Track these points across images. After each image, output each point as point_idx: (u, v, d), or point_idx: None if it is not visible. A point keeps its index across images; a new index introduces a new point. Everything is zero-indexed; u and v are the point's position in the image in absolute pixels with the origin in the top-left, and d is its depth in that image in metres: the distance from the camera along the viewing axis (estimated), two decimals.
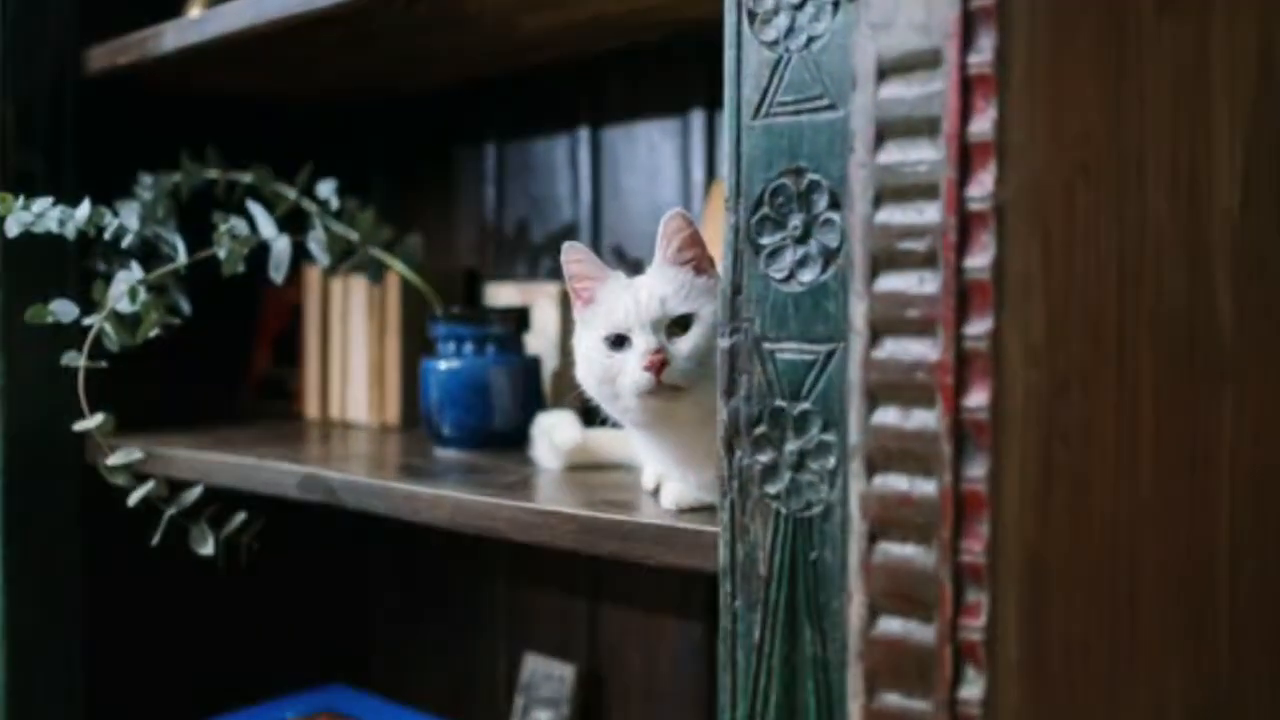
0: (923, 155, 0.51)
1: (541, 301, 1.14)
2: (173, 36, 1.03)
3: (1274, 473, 0.66)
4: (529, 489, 0.82)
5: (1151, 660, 0.60)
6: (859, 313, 0.53)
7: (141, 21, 1.08)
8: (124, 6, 1.11)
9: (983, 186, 0.49)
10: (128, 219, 0.99)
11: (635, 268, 0.82)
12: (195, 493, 0.93)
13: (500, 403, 1.01)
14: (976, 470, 0.49)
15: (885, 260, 0.52)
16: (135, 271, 0.94)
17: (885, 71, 0.52)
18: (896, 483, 0.52)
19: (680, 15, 0.96)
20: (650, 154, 1.14)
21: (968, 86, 0.49)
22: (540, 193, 1.24)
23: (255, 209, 1.02)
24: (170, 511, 0.92)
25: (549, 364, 1.10)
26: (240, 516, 0.94)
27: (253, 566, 0.98)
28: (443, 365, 1.02)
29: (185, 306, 1.07)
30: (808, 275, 0.56)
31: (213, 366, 1.27)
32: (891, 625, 0.52)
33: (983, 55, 0.49)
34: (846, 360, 0.54)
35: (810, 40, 0.55)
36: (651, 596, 1.12)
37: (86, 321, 0.93)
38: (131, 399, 1.02)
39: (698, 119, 1.09)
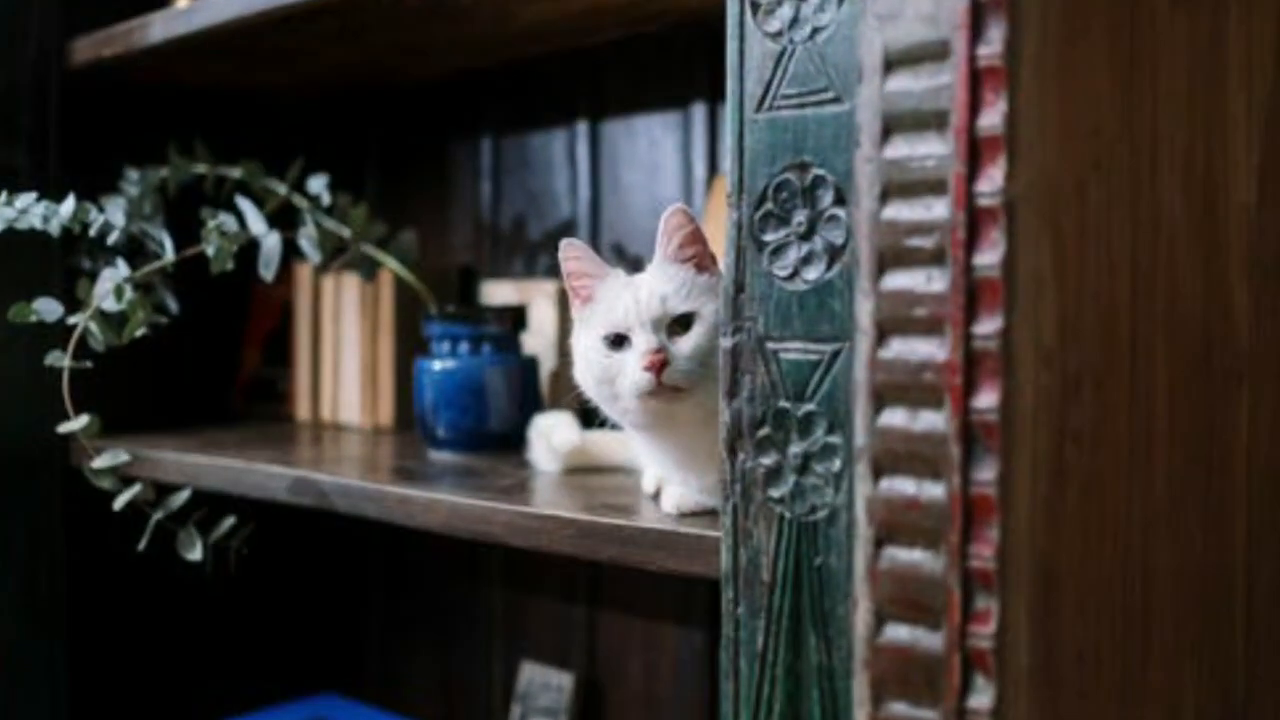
0: (931, 149, 0.50)
1: (539, 300, 1.13)
2: (160, 28, 1.02)
3: None
4: (526, 492, 0.81)
5: (1165, 669, 0.59)
6: (865, 311, 0.52)
7: (126, 13, 1.06)
8: None
9: (992, 182, 0.48)
10: (114, 215, 0.98)
11: (635, 265, 0.82)
12: (183, 496, 0.92)
13: (496, 404, 1.00)
14: (986, 473, 0.49)
15: (892, 257, 0.51)
16: (121, 269, 0.93)
17: (892, 63, 0.51)
18: (904, 486, 0.51)
19: (681, 5, 0.96)
20: (651, 148, 1.12)
21: (977, 79, 0.49)
22: (538, 188, 1.23)
23: (245, 205, 1.01)
24: (157, 515, 0.91)
25: (546, 364, 1.09)
26: (229, 521, 0.93)
27: (242, 572, 0.96)
28: (437, 365, 1.01)
29: (173, 305, 1.06)
30: (812, 273, 0.55)
31: (201, 367, 1.26)
32: (899, 632, 0.51)
33: (992, 47, 0.48)
34: (852, 360, 0.53)
35: (815, 31, 0.54)
36: (652, 603, 1.11)
37: (71, 320, 0.92)
38: (117, 400, 1.01)
39: (699, 112, 1.08)
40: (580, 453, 0.88)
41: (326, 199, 1.10)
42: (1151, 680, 0.58)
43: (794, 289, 0.56)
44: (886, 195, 0.51)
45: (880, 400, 0.52)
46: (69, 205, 0.94)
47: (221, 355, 1.28)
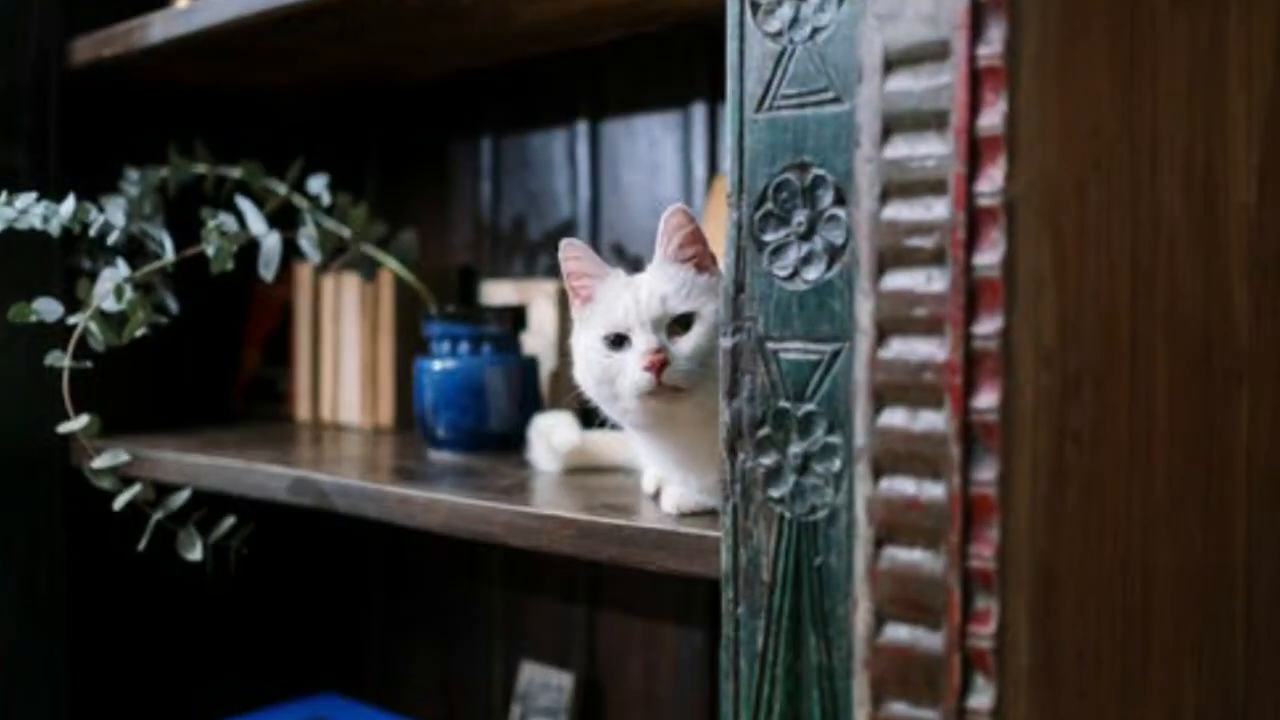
0: (931, 149, 0.50)
1: (539, 300, 1.13)
2: (160, 28, 1.02)
3: None
4: (526, 492, 0.81)
5: (1165, 668, 0.59)
6: (865, 311, 0.52)
7: (126, 13, 1.06)
8: None
9: (992, 182, 0.48)
10: (114, 215, 0.98)
11: (635, 265, 0.82)
12: (183, 496, 0.92)
13: (496, 404, 1.00)
14: (986, 473, 0.49)
15: (892, 257, 0.51)
16: (121, 269, 0.93)
17: (892, 63, 0.51)
18: (904, 486, 0.51)
19: (681, 5, 0.96)
20: (651, 148, 1.12)
21: (977, 79, 0.49)
22: (538, 188, 1.23)
23: (245, 205, 1.01)
24: (157, 515, 0.91)
25: (546, 364, 1.09)
26: (229, 521, 0.93)
27: (242, 572, 0.96)
28: (437, 365, 1.01)
29: (173, 305, 1.06)
30: (812, 273, 0.55)
31: (201, 367, 1.26)
32: (899, 632, 0.51)
33: (992, 47, 0.48)
34: (852, 360, 0.53)
35: (815, 31, 0.54)
36: (652, 603, 1.11)
37: (71, 320, 0.92)
38: (117, 400, 1.01)
39: (699, 112, 1.08)
40: (580, 453, 0.88)
41: (326, 199, 1.10)
42: (1151, 680, 0.58)
43: (794, 289, 0.56)
44: (886, 195, 0.51)
45: (880, 400, 0.52)
46: (69, 205, 0.94)
47: (221, 355, 1.28)
